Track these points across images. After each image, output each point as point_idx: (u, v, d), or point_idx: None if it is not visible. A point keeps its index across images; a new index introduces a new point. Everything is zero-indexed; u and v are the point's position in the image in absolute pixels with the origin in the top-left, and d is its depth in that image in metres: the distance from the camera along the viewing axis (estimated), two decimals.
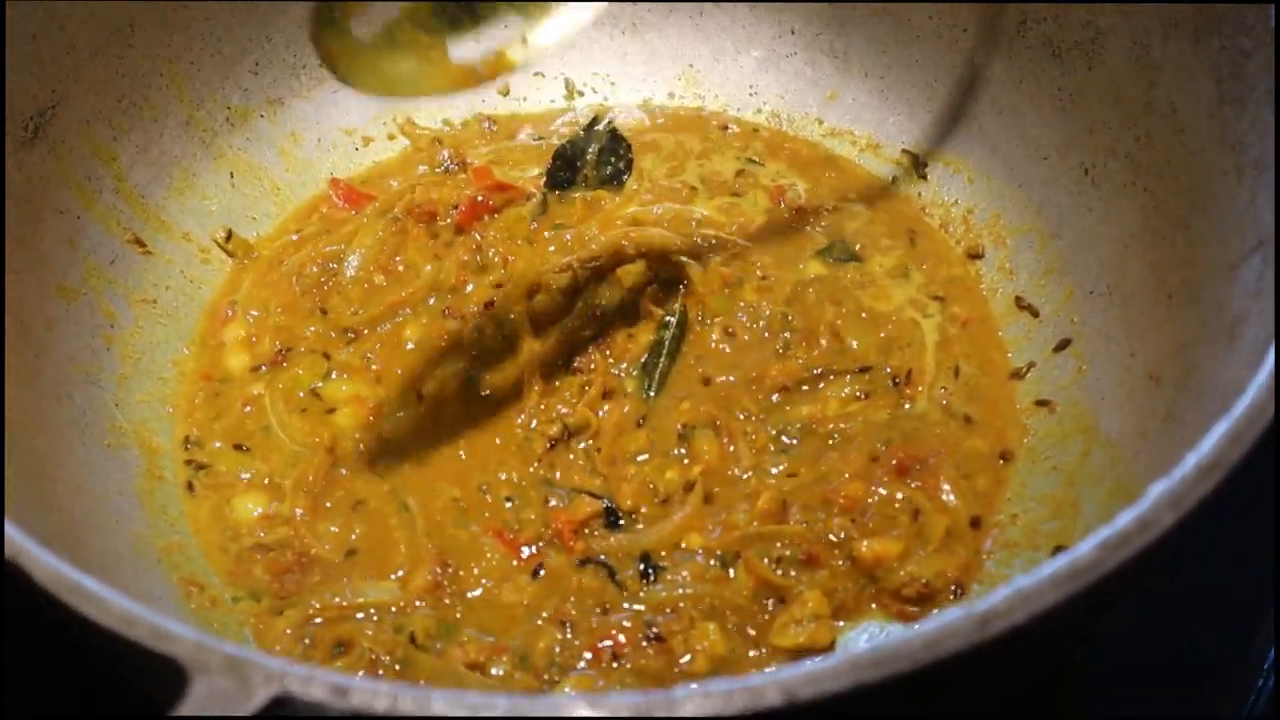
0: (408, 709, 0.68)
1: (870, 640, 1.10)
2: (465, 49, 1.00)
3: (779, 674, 0.70)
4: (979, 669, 0.77)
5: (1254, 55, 1.06)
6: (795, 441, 1.22)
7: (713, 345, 1.29)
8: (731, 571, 1.13)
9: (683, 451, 1.21)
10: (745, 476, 1.19)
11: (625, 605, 1.10)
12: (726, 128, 1.53)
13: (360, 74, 1.04)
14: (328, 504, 1.18)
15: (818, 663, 0.70)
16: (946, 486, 1.19)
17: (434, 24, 1.03)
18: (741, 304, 1.32)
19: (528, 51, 1.02)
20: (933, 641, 0.71)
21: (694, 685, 0.70)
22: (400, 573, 1.13)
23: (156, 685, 0.72)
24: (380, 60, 1.02)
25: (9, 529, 0.78)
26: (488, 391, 1.26)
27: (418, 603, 1.11)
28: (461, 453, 1.21)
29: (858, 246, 1.39)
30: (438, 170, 1.47)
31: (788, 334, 1.29)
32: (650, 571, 1.12)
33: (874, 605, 1.11)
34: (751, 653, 1.08)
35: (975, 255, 1.38)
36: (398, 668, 1.06)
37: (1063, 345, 1.27)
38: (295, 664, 0.70)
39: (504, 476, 1.19)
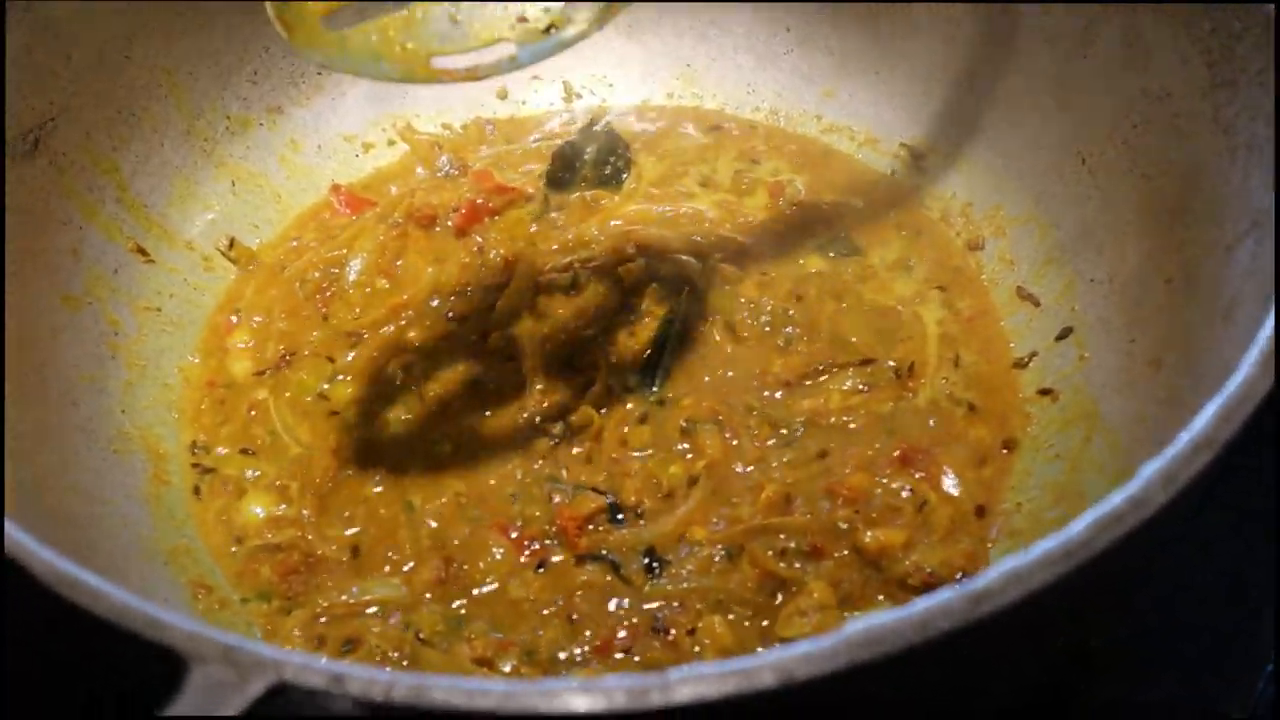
0: (404, 696, 0.68)
1: None
2: (448, 61, 0.99)
3: (774, 655, 0.70)
4: (975, 649, 0.77)
5: (1244, 37, 1.06)
6: (798, 435, 1.22)
7: (714, 342, 1.29)
8: (736, 564, 1.13)
9: (686, 447, 1.21)
10: (748, 470, 1.19)
11: (631, 600, 1.11)
12: (725, 126, 1.53)
13: (317, 47, 1.00)
14: (333, 505, 1.19)
15: (813, 643, 0.71)
16: (950, 476, 1.19)
17: (420, 36, 1.01)
18: (742, 300, 1.32)
19: (511, 68, 1.00)
20: (925, 621, 0.71)
21: (689, 667, 0.70)
22: (407, 569, 1.13)
23: (154, 678, 0.73)
24: (347, 45, 0.99)
25: (8, 527, 0.78)
26: (490, 391, 1.26)
27: (425, 598, 1.11)
28: (465, 451, 1.21)
29: (858, 241, 1.39)
30: (438, 174, 1.48)
31: (789, 329, 1.30)
32: (655, 566, 1.13)
33: (880, 596, 1.11)
34: (758, 647, 1.08)
35: (975, 247, 1.38)
36: (405, 664, 1.07)
37: (1064, 334, 1.26)
38: (292, 652, 0.71)
39: (508, 474, 1.19)
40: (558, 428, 1.22)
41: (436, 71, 0.98)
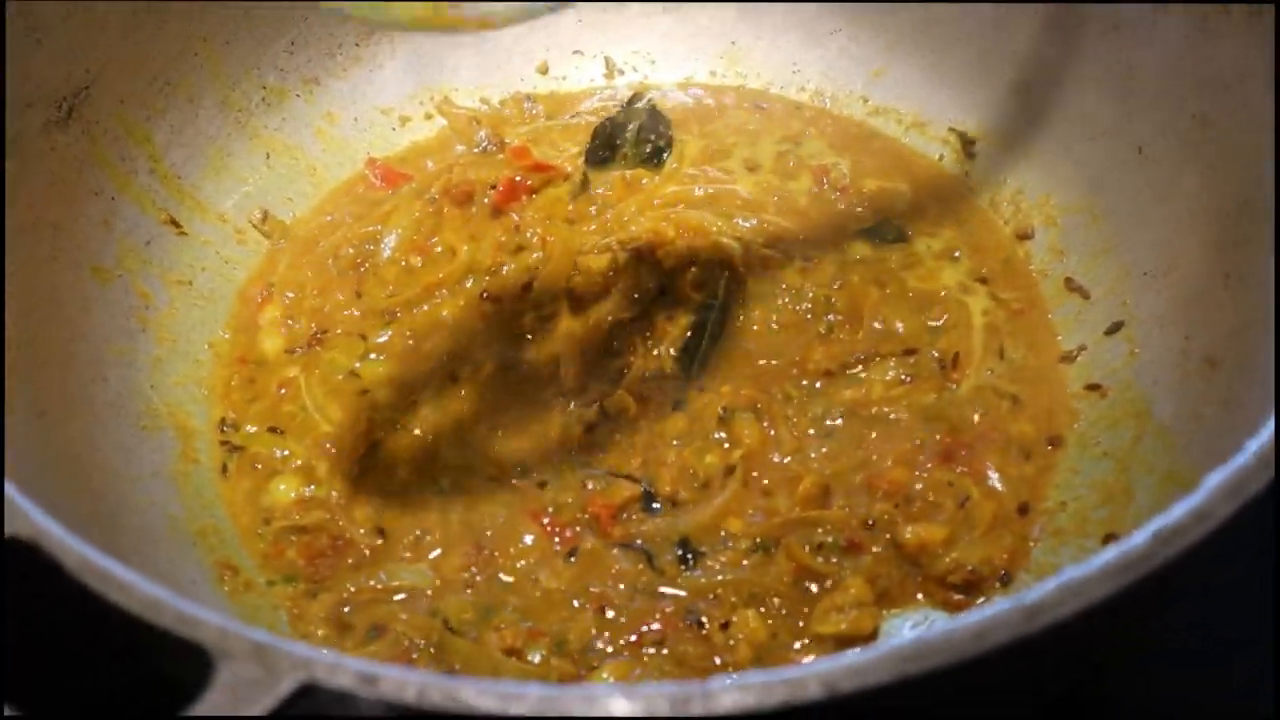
0: (436, 699, 0.66)
1: (914, 628, 1.07)
2: (463, 8, 0.94)
3: (819, 666, 0.68)
4: (1025, 662, 0.75)
5: None
6: (838, 425, 1.19)
7: (754, 328, 1.27)
8: (772, 557, 1.10)
9: (723, 435, 1.18)
10: (786, 461, 1.17)
11: (664, 591, 1.08)
12: (768, 106, 1.50)
13: None
14: (363, 487, 1.17)
15: (860, 655, 0.68)
16: (993, 472, 1.17)
17: None
18: (784, 286, 1.29)
19: (526, 16, 0.95)
20: (979, 634, 0.69)
21: (732, 676, 0.67)
22: (436, 555, 1.11)
23: (182, 672, 0.71)
24: None
25: (34, 513, 0.76)
26: (525, 373, 1.24)
27: (455, 585, 1.09)
28: (498, 435, 1.19)
29: (903, 227, 1.36)
30: (475, 150, 1.45)
31: (831, 316, 1.27)
32: (689, 557, 1.10)
33: (919, 594, 1.09)
34: (793, 641, 1.06)
35: (1024, 236, 1.35)
36: (433, 652, 1.05)
37: (1115, 328, 1.23)
38: (323, 651, 0.69)
39: (540, 459, 1.17)
40: (592, 412, 1.20)
41: (450, 19, 0.94)
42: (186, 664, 0.70)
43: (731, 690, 0.67)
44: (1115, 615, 0.73)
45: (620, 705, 0.67)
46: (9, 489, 0.77)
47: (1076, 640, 0.76)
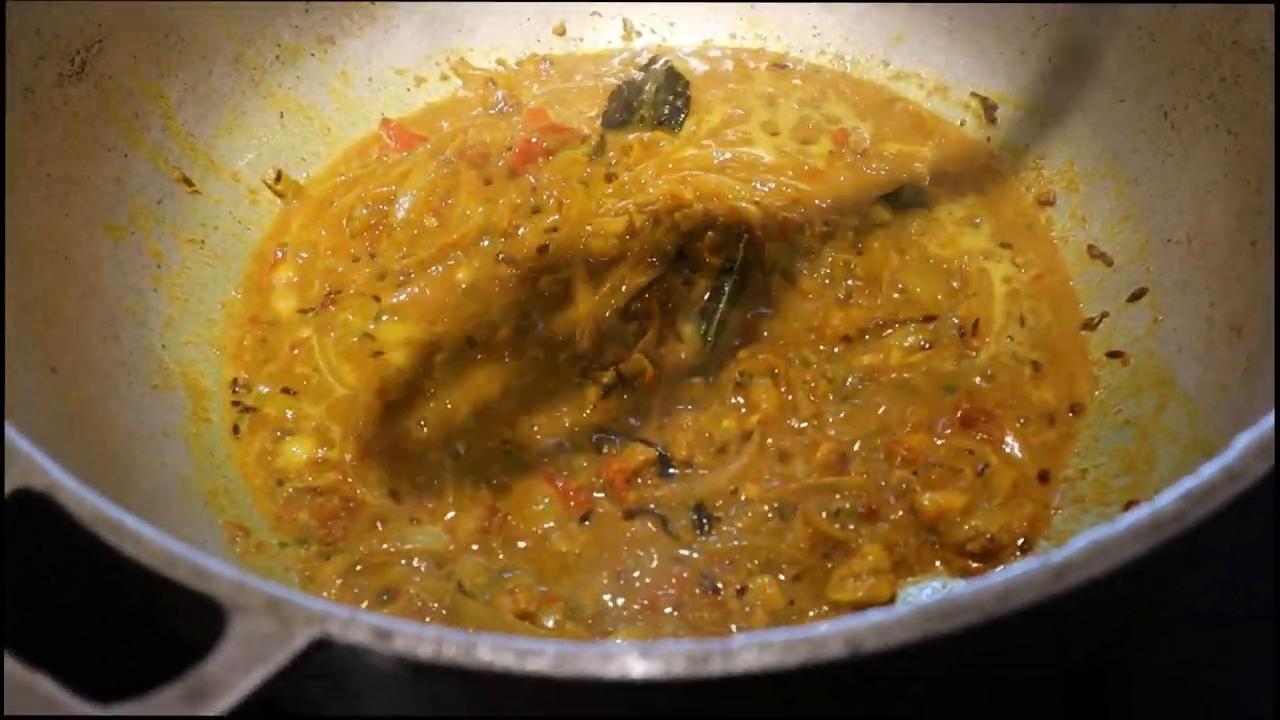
0: (452, 655, 0.65)
1: (931, 596, 1.06)
2: None
3: (843, 624, 0.67)
4: (1052, 623, 0.74)
5: None
6: (856, 391, 1.18)
7: (772, 293, 1.25)
8: (789, 524, 1.09)
9: (740, 400, 1.17)
10: (804, 427, 1.16)
11: (680, 555, 1.07)
12: (788, 69, 1.48)
13: None
14: (376, 449, 1.15)
15: (884, 613, 0.67)
16: (1013, 439, 1.15)
17: None
18: (802, 251, 1.28)
19: None
20: (1006, 593, 0.68)
21: (752, 634, 0.66)
22: (449, 517, 1.10)
23: (195, 627, 0.70)
24: None
25: (49, 465, 0.75)
26: (541, 336, 1.22)
27: (468, 548, 1.08)
28: (513, 398, 1.18)
29: (924, 193, 1.34)
30: (491, 111, 1.44)
31: (850, 281, 1.26)
32: (704, 522, 1.09)
33: (937, 562, 1.08)
34: (810, 608, 1.05)
35: (1046, 202, 1.33)
36: (445, 615, 1.04)
37: (1138, 295, 1.22)
38: (337, 606, 0.68)
39: (556, 422, 1.16)
40: (608, 376, 1.18)
41: None
42: (200, 619, 0.69)
43: (751, 649, 0.66)
44: (1144, 576, 0.72)
45: (637, 663, 0.66)
46: (22, 441, 0.76)
47: (1104, 601, 0.75)
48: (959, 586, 1.05)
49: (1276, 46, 1.07)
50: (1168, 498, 0.71)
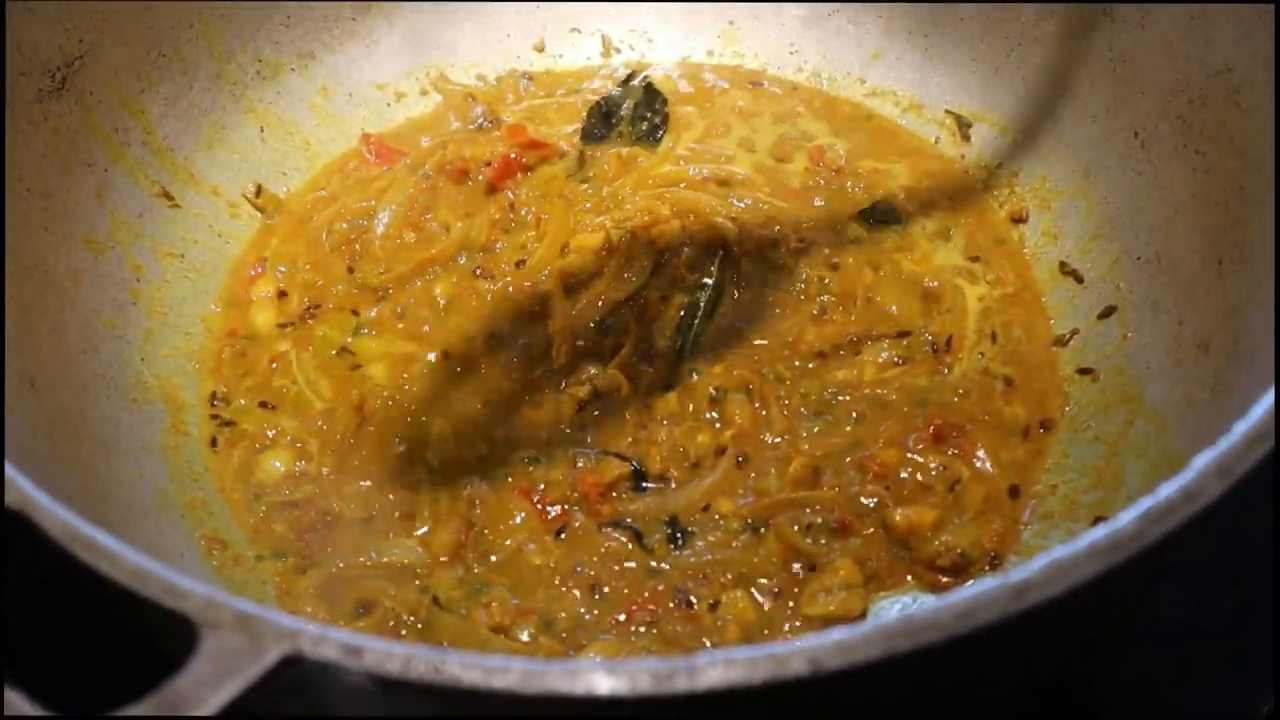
0: (420, 672, 0.66)
1: (902, 611, 1.07)
2: None
3: (805, 642, 0.68)
4: (1014, 640, 0.75)
5: None
6: (830, 407, 1.19)
7: (748, 309, 1.26)
8: (762, 538, 1.10)
9: (714, 415, 1.18)
10: (777, 442, 1.17)
11: (654, 568, 1.08)
12: (765, 86, 1.50)
13: None
14: (353, 463, 1.16)
15: (846, 631, 0.68)
16: (984, 455, 1.16)
17: None
18: (778, 267, 1.29)
19: None
20: (966, 612, 0.69)
21: (717, 652, 0.67)
22: (425, 531, 1.11)
23: (167, 639, 0.71)
24: None
25: (22, 481, 0.76)
26: (517, 351, 1.23)
27: (443, 562, 1.09)
28: (489, 412, 1.19)
29: (898, 209, 1.35)
30: (471, 127, 1.44)
31: (825, 297, 1.27)
32: (678, 536, 1.10)
33: (909, 577, 1.09)
34: (783, 622, 1.06)
35: (1019, 219, 1.34)
36: (420, 629, 1.05)
37: (1108, 312, 1.23)
38: (308, 623, 0.69)
39: (531, 436, 1.17)
40: (584, 391, 1.19)
41: None
42: (172, 634, 0.70)
43: (716, 666, 0.67)
44: (1103, 594, 0.73)
45: (603, 680, 0.67)
46: None
47: (1065, 619, 0.76)
48: (929, 601, 1.07)
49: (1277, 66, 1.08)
50: (1126, 518, 0.73)
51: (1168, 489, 0.74)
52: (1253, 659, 1.06)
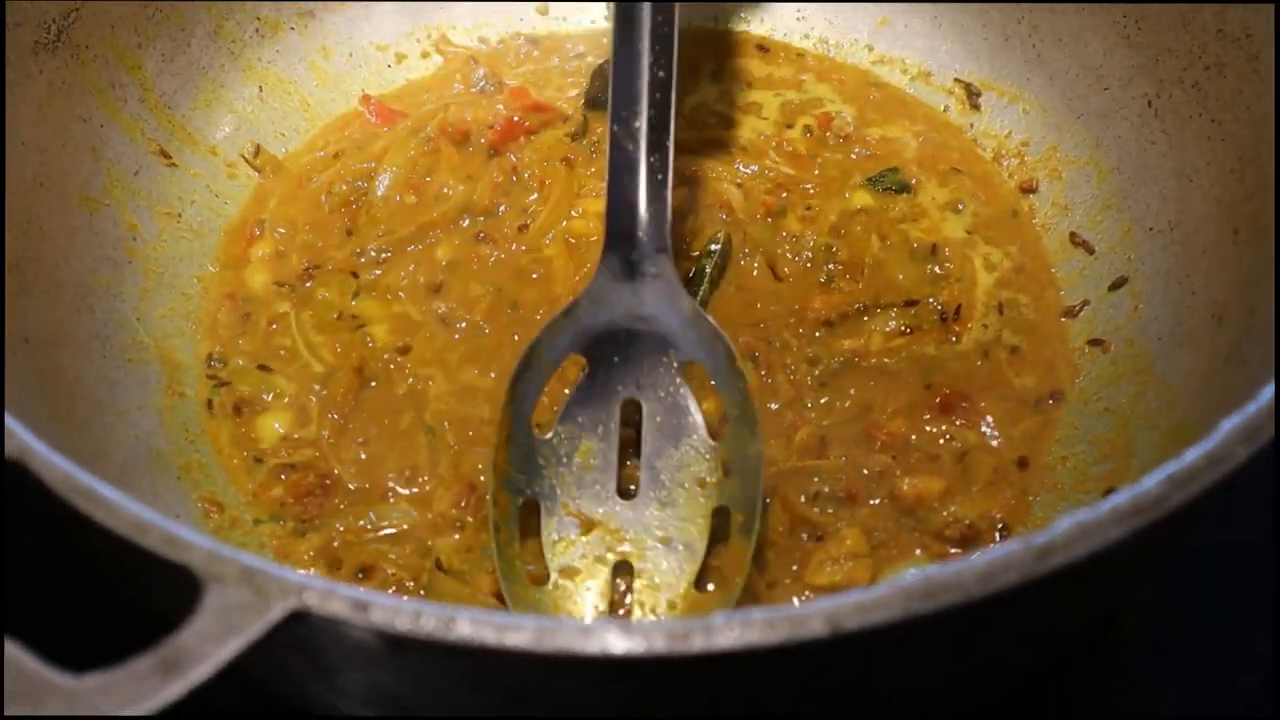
0: (430, 628, 0.65)
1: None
2: None
3: (824, 603, 0.66)
4: (1034, 604, 0.73)
5: None
6: (837, 375, 1.18)
7: (754, 275, 1.25)
8: (768, 507, 1.09)
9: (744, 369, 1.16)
10: (783, 410, 1.15)
11: None
12: (772, 52, 1.47)
13: None
14: (353, 426, 1.14)
15: (866, 592, 0.66)
16: (993, 426, 1.15)
17: None
18: (784, 234, 1.27)
19: None
20: (988, 574, 0.67)
21: (734, 613, 0.66)
22: (427, 494, 1.10)
23: (168, 598, 0.69)
24: None
25: (21, 432, 0.74)
26: (519, 316, 1.22)
27: (445, 526, 1.07)
28: (492, 374, 1.17)
29: (906, 178, 1.33)
30: (473, 89, 1.42)
31: (832, 265, 1.25)
32: None
33: (917, 550, 1.07)
34: (789, 592, 1.05)
35: (1029, 189, 1.33)
36: (421, 594, 1.03)
37: (1119, 283, 1.22)
38: (314, 578, 0.67)
39: (535, 400, 1.14)
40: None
41: None
42: (173, 589, 0.68)
43: (733, 626, 0.65)
44: (1126, 558, 0.71)
45: (618, 640, 0.66)
46: None
47: (1086, 583, 0.75)
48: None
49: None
50: (1150, 481, 0.71)
51: (1193, 453, 0.73)
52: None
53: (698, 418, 1.08)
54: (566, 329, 1.09)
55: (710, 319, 1.10)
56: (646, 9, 1.15)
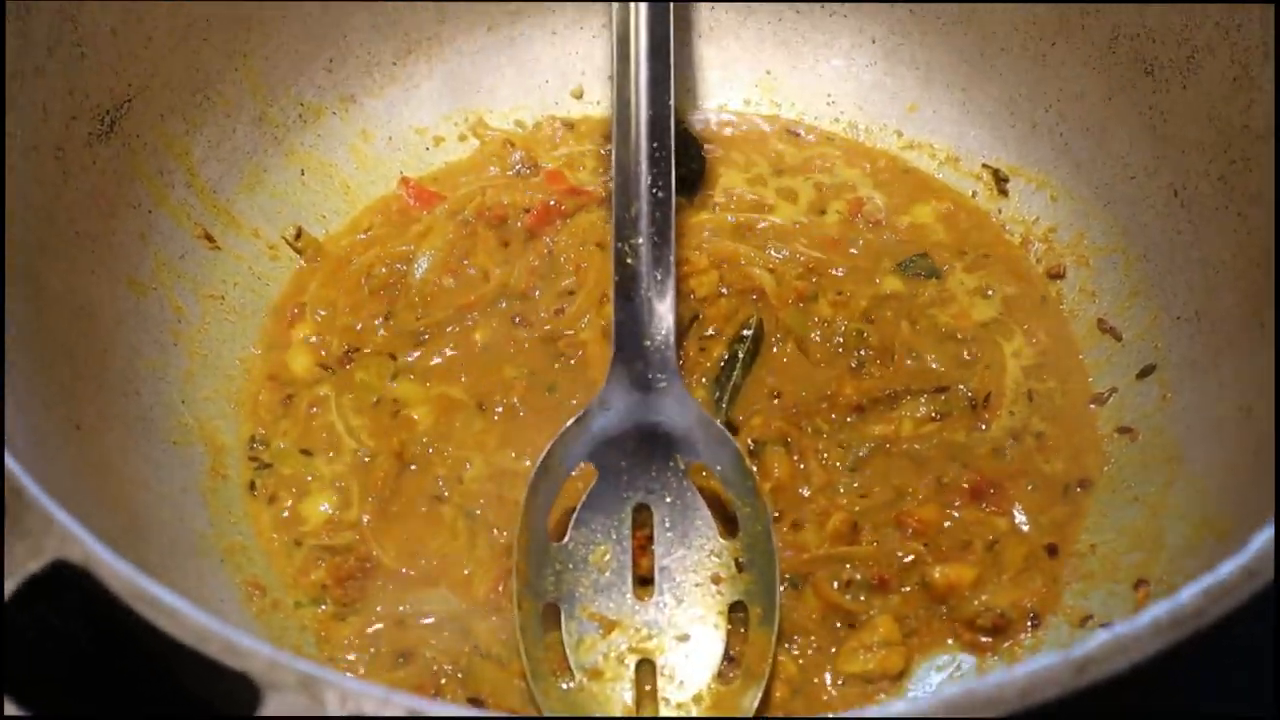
0: None
1: (942, 671, 1.07)
2: None
3: (866, 713, 0.68)
4: (1069, 715, 0.74)
5: None
6: (868, 461, 1.19)
7: (786, 360, 1.27)
8: (801, 593, 1.11)
9: (753, 468, 1.18)
10: (816, 495, 1.17)
11: None
12: (802, 136, 1.50)
13: None
14: (393, 509, 1.16)
15: (909, 705, 0.68)
16: (1022, 513, 1.17)
17: None
18: (816, 319, 1.29)
19: None
20: (1028, 689, 0.69)
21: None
22: (466, 576, 1.11)
23: (229, 699, 0.71)
24: None
25: (84, 536, 0.76)
26: (556, 399, 1.23)
27: (484, 611, 1.09)
28: (528, 459, 1.18)
29: (936, 263, 1.35)
30: (509, 173, 1.45)
31: (863, 351, 1.27)
32: None
33: (949, 639, 1.09)
34: (824, 678, 1.06)
35: (1056, 275, 1.34)
36: (460, 678, 1.05)
37: (1147, 371, 1.23)
38: (371, 685, 0.69)
39: (570, 484, 1.15)
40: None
41: None
42: (233, 694, 0.70)
43: None
44: (1162, 671, 0.73)
45: None
46: (60, 513, 0.77)
47: (1124, 695, 0.76)
48: (969, 662, 1.07)
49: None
50: (1187, 594, 0.73)
51: (1228, 566, 0.74)
52: None
53: (708, 517, 1.11)
54: (579, 437, 1.14)
55: (717, 423, 1.15)
56: (644, 135, 1.24)
